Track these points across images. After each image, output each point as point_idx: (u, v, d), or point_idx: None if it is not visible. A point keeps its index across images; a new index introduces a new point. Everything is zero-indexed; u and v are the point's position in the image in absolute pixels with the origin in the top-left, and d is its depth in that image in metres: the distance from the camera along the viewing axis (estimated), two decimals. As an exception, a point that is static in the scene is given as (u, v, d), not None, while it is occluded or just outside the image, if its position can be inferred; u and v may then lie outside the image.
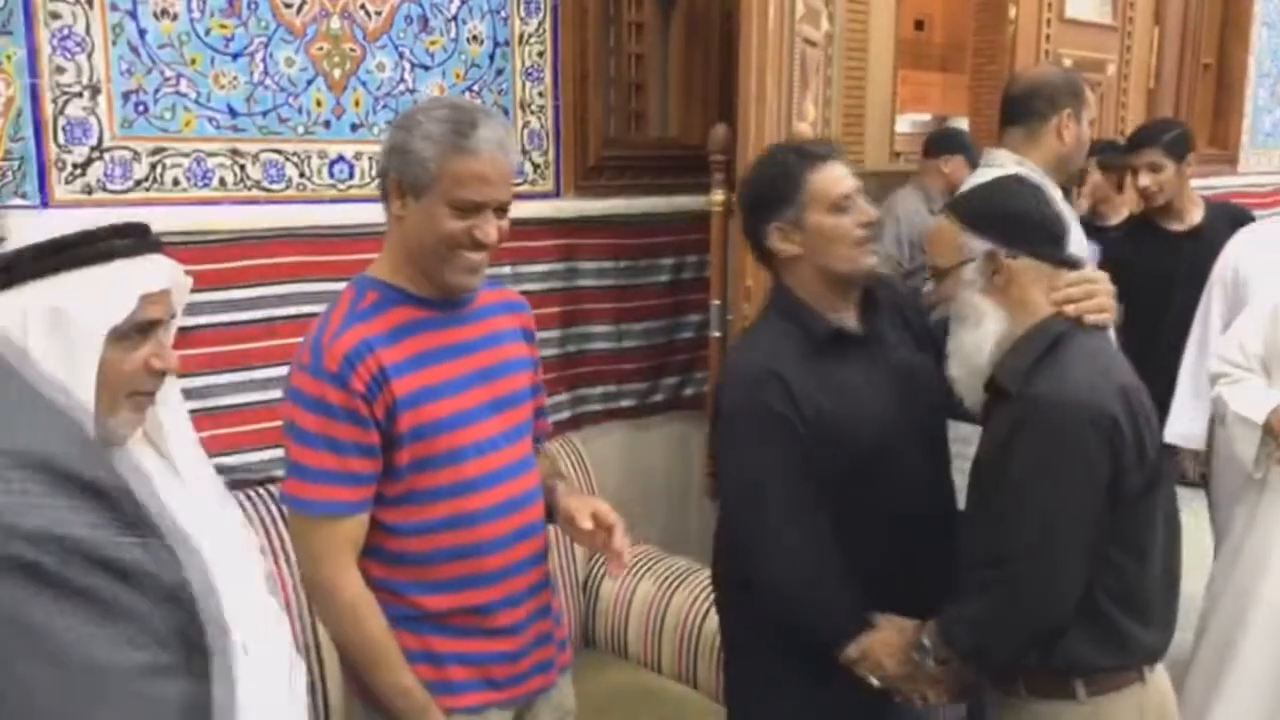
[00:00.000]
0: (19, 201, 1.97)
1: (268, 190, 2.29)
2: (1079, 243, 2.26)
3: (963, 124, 5.04)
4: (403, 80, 2.47)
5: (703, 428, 3.07)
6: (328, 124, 2.36)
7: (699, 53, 3.13)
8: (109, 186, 2.08)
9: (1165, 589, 1.64)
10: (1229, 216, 3.25)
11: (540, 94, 2.74)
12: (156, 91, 2.12)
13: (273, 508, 2.15)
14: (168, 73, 2.13)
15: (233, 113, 2.23)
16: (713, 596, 2.04)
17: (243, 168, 2.25)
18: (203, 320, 2.17)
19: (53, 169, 2.01)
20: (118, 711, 0.62)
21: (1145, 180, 3.24)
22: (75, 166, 2.04)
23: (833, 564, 1.69)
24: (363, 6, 2.38)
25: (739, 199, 1.82)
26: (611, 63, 3.01)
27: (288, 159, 2.31)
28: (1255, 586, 2.33)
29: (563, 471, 2.15)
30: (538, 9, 2.70)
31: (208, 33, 2.17)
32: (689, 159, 2.98)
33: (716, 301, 2.94)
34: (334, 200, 2.38)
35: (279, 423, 1.65)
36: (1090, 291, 1.62)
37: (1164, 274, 3.16)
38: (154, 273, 1.26)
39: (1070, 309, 1.61)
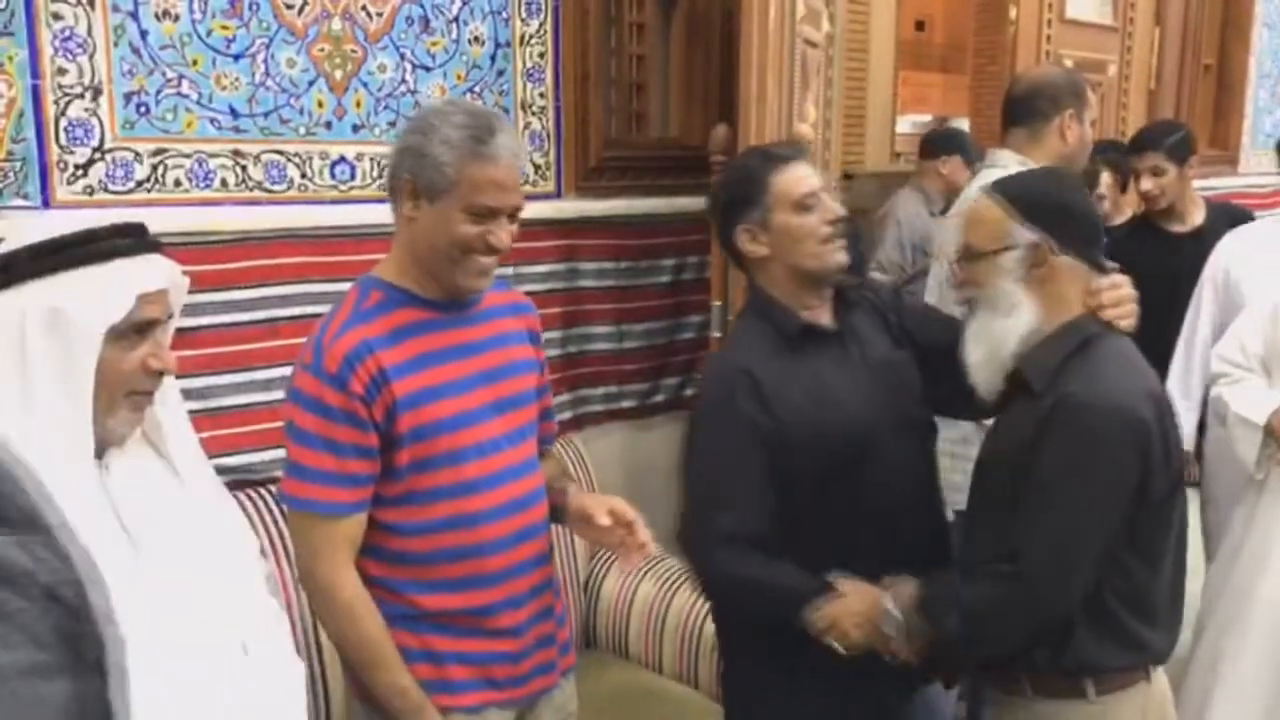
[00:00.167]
0: (21, 202, 1.97)
1: (269, 191, 2.29)
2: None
3: (963, 125, 5.04)
4: (404, 81, 2.47)
5: (704, 428, 3.07)
6: (329, 125, 2.37)
7: (700, 53, 3.13)
8: (111, 187, 2.08)
9: (1172, 593, 1.64)
10: (1230, 218, 3.25)
11: (541, 95, 2.75)
12: (158, 92, 2.12)
13: (274, 508, 2.15)
14: (169, 74, 2.13)
15: (234, 114, 2.23)
16: (712, 597, 2.04)
17: (244, 169, 2.25)
18: (205, 321, 2.17)
19: (54, 170, 2.01)
20: None
21: (1148, 184, 3.24)
22: (77, 167, 2.04)
23: (785, 557, 1.70)
24: (364, 8, 2.39)
25: (708, 204, 1.84)
26: (612, 64, 3.02)
27: (289, 160, 2.32)
28: (1254, 587, 2.33)
29: (570, 473, 2.15)
30: (539, 10, 2.71)
31: (209, 34, 2.18)
32: (690, 160, 2.98)
33: (717, 302, 2.94)
34: (335, 201, 2.39)
35: (281, 423, 1.65)
36: (1121, 297, 1.63)
37: (1166, 275, 3.15)
38: (151, 272, 1.26)
39: (1110, 313, 1.60)
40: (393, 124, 2.44)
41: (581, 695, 1.86)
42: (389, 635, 1.58)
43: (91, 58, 2.03)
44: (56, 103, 2.00)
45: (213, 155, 2.21)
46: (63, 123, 2.02)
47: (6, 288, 1.19)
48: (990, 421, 1.87)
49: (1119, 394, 1.52)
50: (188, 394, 2.06)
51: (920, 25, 8.19)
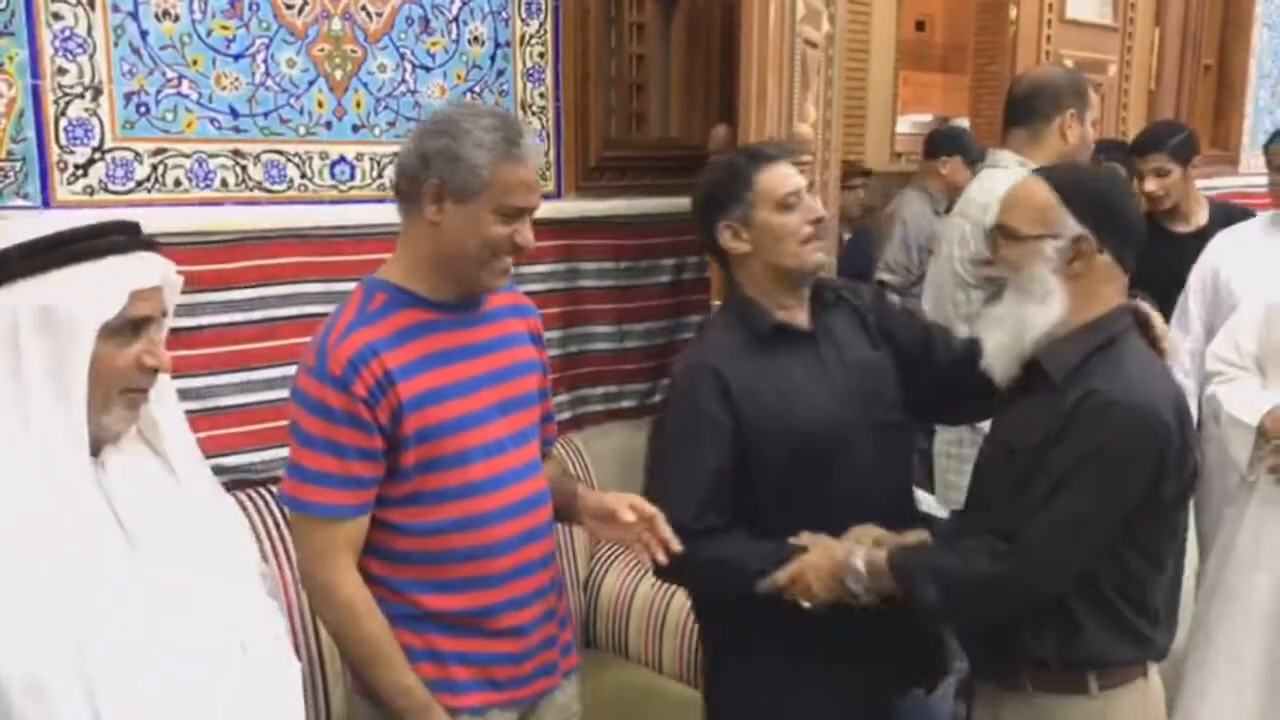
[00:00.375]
0: (21, 202, 1.97)
1: (269, 191, 2.29)
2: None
3: (964, 124, 5.04)
4: (404, 81, 2.47)
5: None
6: (329, 125, 2.37)
7: (700, 53, 3.13)
8: (111, 187, 2.08)
9: (1169, 592, 1.65)
10: (1232, 218, 3.25)
11: (541, 95, 2.75)
12: (158, 92, 2.13)
13: (274, 508, 2.15)
14: (169, 74, 2.13)
15: (234, 114, 2.23)
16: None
17: (244, 169, 2.25)
18: (204, 321, 2.17)
19: (54, 170, 2.01)
20: None
21: (1152, 185, 3.25)
22: (77, 167, 2.04)
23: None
24: (364, 8, 2.39)
25: (692, 200, 1.84)
26: (612, 63, 3.02)
27: (289, 160, 2.32)
28: (1247, 587, 2.33)
29: (572, 474, 2.15)
30: (539, 10, 2.71)
31: (209, 34, 2.18)
32: (690, 159, 2.98)
33: (717, 302, 2.93)
34: (335, 201, 2.39)
35: (280, 423, 1.66)
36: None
37: (1170, 275, 3.16)
38: (144, 269, 1.26)
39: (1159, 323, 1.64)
40: (392, 124, 2.45)
41: (581, 695, 1.86)
42: (391, 634, 1.57)
43: (91, 58, 2.03)
44: (56, 103, 2.00)
45: (213, 155, 2.21)
46: (63, 123, 2.02)
47: None
48: (985, 425, 1.88)
49: (1144, 394, 1.52)
50: (187, 394, 2.06)
51: (920, 25, 8.19)
